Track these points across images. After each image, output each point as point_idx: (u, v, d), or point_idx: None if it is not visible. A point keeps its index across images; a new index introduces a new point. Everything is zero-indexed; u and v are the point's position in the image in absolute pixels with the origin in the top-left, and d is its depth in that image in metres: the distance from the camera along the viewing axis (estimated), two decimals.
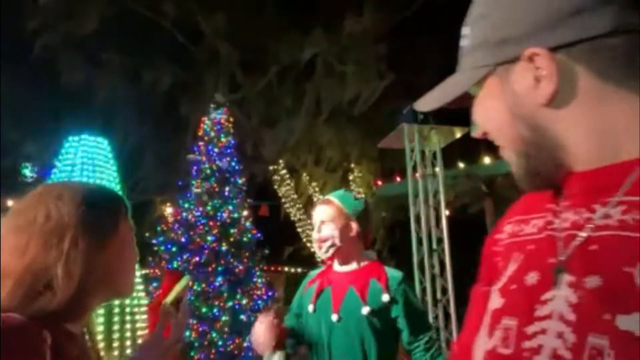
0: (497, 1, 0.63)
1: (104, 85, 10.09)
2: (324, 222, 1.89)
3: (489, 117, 0.66)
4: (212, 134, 6.75)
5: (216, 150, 6.62)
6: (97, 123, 10.02)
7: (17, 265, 0.86)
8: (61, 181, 1.00)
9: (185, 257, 5.91)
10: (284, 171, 11.42)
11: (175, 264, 5.87)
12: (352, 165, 11.34)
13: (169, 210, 9.51)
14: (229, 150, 6.72)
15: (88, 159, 5.26)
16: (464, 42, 0.66)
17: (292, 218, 11.47)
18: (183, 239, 6.04)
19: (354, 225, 1.90)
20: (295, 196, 11.51)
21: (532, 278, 0.59)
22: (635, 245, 0.52)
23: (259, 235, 6.51)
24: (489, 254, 0.74)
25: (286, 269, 13.34)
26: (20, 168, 10.66)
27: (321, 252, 1.91)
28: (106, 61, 10.04)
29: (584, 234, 0.57)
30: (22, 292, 0.85)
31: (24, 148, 10.28)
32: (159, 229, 6.37)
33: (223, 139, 6.74)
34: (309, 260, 11.32)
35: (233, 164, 6.67)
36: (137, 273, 8.63)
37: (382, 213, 11.06)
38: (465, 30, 0.66)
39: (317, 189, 11.51)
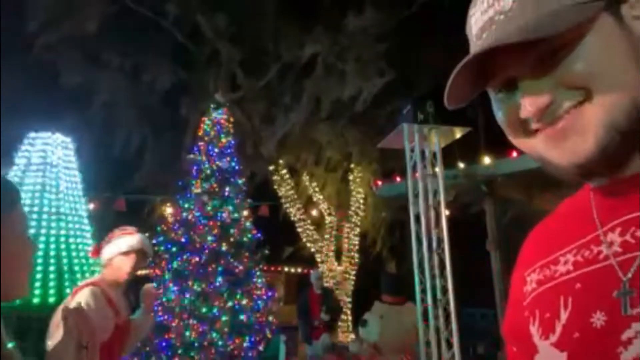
0: None
1: (103, 85, 10.09)
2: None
3: (597, 60, 0.51)
4: (212, 134, 6.73)
5: (216, 150, 6.62)
6: (97, 123, 10.05)
7: None
8: None
9: (185, 257, 5.91)
10: (284, 171, 11.41)
11: (175, 264, 5.87)
12: (352, 165, 11.33)
13: (169, 210, 9.50)
14: (229, 150, 6.71)
15: (46, 157, 5.13)
16: None
17: (292, 218, 11.46)
18: (183, 239, 6.03)
19: None
20: (295, 196, 11.50)
21: (599, 319, 0.50)
22: None
23: (259, 235, 6.50)
24: (521, 316, 0.62)
25: (286, 269, 13.32)
26: None
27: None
28: (106, 61, 10.04)
29: None
30: None
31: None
32: (159, 229, 6.36)
33: (223, 139, 6.73)
34: (309, 260, 11.32)
35: (233, 164, 6.66)
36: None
37: (382, 213, 11.05)
38: None
39: (317, 189, 11.51)
